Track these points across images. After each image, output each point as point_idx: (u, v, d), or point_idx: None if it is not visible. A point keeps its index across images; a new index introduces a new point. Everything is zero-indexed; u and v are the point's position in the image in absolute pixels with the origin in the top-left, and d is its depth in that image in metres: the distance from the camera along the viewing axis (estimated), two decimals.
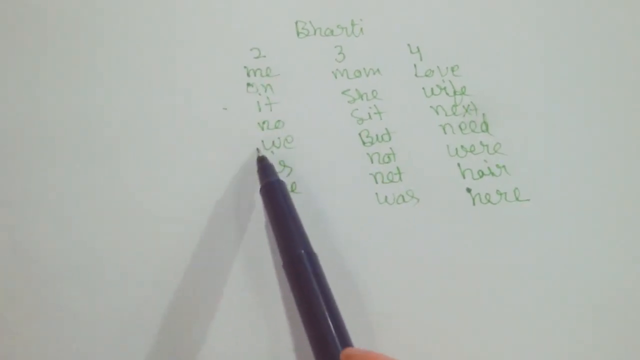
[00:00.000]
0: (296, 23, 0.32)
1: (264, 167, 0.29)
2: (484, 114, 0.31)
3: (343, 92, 0.31)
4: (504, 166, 0.30)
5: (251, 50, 0.32)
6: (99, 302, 0.29)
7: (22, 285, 0.29)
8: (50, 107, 0.31)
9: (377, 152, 0.31)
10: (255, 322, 0.28)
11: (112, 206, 0.30)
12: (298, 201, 0.30)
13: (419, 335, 0.28)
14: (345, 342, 0.24)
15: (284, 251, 0.27)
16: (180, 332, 0.28)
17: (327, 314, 0.24)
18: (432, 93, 0.31)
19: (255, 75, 0.31)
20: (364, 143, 0.31)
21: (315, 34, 0.32)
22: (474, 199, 0.30)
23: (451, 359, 0.28)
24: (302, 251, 0.26)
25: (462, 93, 0.31)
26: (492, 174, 0.30)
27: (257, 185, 0.29)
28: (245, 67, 0.31)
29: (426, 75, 0.32)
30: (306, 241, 0.27)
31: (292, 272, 0.26)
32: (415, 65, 0.32)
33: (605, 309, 0.28)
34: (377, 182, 0.30)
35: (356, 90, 0.31)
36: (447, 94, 0.31)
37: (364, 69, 0.32)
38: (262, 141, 0.31)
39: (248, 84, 0.31)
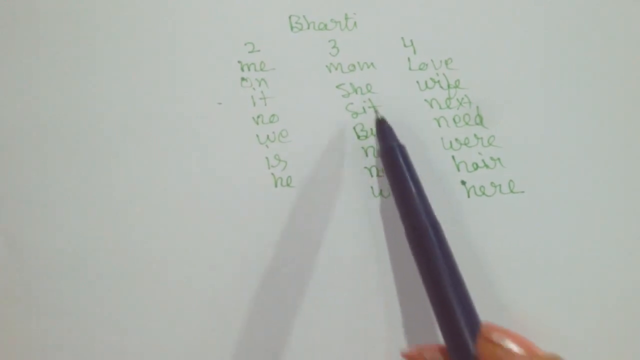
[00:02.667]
0: (290, 17, 0.32)
1: (384, 130, 0.29)
2: (478, 107, 0.31)
3: (337, 86, 0.31)
4: (498, 158, 0.30)
5: (245, 44, 0.32)
6: (98, 302, 0.29)
7: (18, 284, 0.29)
8: (44, 101, 0.31)
9: (372, 146, 0.31)
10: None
11: (107, 203, 0.30)
12: (293, 195, 0.30)
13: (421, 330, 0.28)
14: (476, 319, 0.23)
15: (407, 220, 0.26)
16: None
17: (455, 289, 0.23)
18: (426, 86, 0.31)
19: (249, 69, 0.31)
20: (358, 137, 0.31)
21: (309, 28, 0.32)
22: (468, 192, 0.30)
23: None
24: (427, 222, 0.25)
25: (456, 86, 0.31)
26: (487, 166, 0.30)
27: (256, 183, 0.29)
28: (239, 61, 0.31)
29: (420, 69, 0.32)
30: (429, 210, 0.26)
31: (417, 244, 0.25)
32: (409, 59, 0.32)
33: (599, 300, 0.29)
34: (372, 176, 0.30)
35: (350, 84, 0.31)
36: (441, 87, 0.31)
37: (358, 62, 0.32)
38: (257, 135, 0.31)
39: (242, 79, 0.31)
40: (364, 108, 0.31)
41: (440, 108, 0.31)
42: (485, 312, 0.28)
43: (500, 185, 0.30)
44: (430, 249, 0.25)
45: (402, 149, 0.28)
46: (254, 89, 0.31)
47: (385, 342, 0.28)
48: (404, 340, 0.28)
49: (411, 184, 0.27)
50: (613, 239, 0.29)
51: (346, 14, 0.32)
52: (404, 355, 0.24)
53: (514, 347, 0.20)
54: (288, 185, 0.30)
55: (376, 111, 0.30)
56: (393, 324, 0.29)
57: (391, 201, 0.30)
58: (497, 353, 0.20)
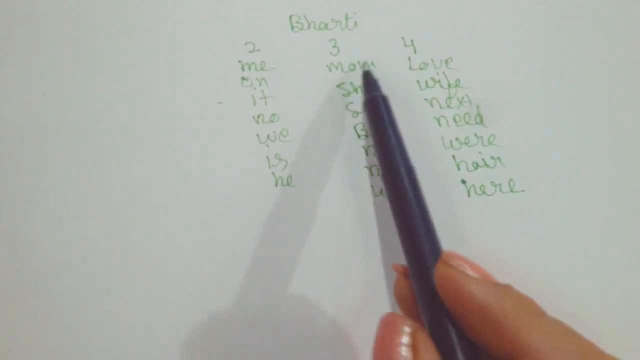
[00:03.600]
0: (290, 17, 0.32)
1: (369, 81, 0.30)
2: (478, 106, 0.31)
3: (338, 86, 0.31)
4: (498, 158, 0.30)
5: (245, 44, 0.32)
6: (98, 301, 0.29)
7: (18, 284, 0.29)
8: (44, 101, 0.31)
9: (372, 145, 0.31)
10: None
11: (108, 203, 0.30)
12: (293, 195, 0.30)
13: None
14: (439, 248, 0.23)
15: (383, 163, 0.27)
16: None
17: (422, 221, 0.24)
18: (427, 86, 0.31)
19: (249, 69, 0.31)
20: (359, 136, 0.31)
21: (309, 27, 0.32)
22: (468, 191, 0.30)
23: None
24: (401, 163, 0.26)
25: (457, 85, 0.31)
26: (487, 165, 0.30)
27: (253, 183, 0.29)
28: (239, 61, 0.31)
29: (420, 68, 0.32)
30: (405, 155, 0.27)
31: (390, 182, 0.26)
32: (409, 58, 0.32)
33: (599, 299, 0.29)
34: (372, 175, 0.30)
35: (351, 83, 0.31)
36: (441, 86, 0.31)
37: (359, 62, 0.32)
38: (257, 135, 0.31)
39: (243, 78, 0.31)
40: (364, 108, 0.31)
41: (441, 107, 0.31)
42: None
43: (500, 184, 0.30)
44: (401, 187, 0.25)
45: (384, 99, 0.29)
46: (254, 88, 0.31)
47: None
48: None
49: (390, 130, 0.27)
50: (613, 238, 0.29)
51: (346, 14, 0.32)
52: (394, 266, 0.25)
53: (470, 273, 0.21)
54: (288, 184, 0.30)
55: (364, 64, 0.31)
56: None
57: None
58: (453, 275, 0.20)
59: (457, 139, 0.31)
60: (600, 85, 0.31)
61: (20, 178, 0.30)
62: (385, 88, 0.30)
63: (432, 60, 0.32)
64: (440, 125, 0.31)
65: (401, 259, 0.29)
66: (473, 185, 0.30)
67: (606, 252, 0.29)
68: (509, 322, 0.19)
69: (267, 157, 0.30)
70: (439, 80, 0.32)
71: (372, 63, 0.32)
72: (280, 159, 0.30)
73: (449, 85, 0.31)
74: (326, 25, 0.32)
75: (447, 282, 0.20)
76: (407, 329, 0.20)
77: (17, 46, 0.32)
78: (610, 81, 0.32)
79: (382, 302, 0.29)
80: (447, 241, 0.29)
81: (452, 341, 0.20)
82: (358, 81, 0.31)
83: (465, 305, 0.20)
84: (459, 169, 0.30)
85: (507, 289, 0.20)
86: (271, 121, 0.31)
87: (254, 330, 0.28)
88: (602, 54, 0.32)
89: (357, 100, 0.31)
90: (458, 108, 0.31)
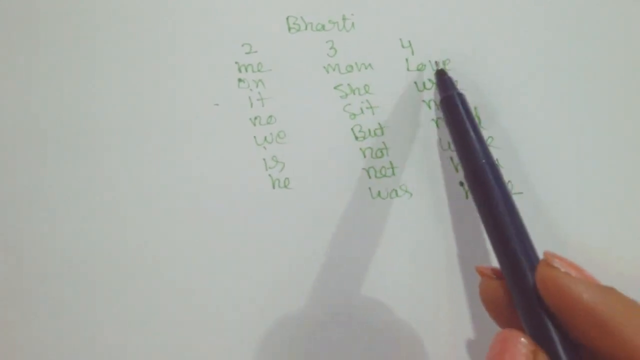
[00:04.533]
0: (287, 18, 0.32)
1: (444, 80, 0.30)
2: (476, 108, 0.31)
3: (335, 87, 0.31)
4: (496, 160, 0.30)
5: (242, 45, 0.32)
6: (97, 304, 0.29)
7: (17, 286, 0.29)
8: (43, 103, 0.31)
9: (369, 147, 0.30)
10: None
11: (105, 205, 0.30)
12: (290, 197, 0.30)
13: (423, 332, 0.28)
14: (533, 248, 0.23)
15: (467, 162, 0.26)
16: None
17: (513, 221, 0.24)
18: (424, 87, 0.31)
19: (246, 70, 0.31)
20: (356, 138, 0.31)
21: (306, 29, 0.32)
22: (467, 193, 0.30)
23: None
24: (484, 161, 0.26)
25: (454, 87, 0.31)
26: None
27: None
28: (236, 62, 0.31)
29: (418, 70, 0.32)
30: (488, 153, 0.26)
31: (475, 182, 0.26)
32: (407, 60, 0.32)
33: None
34: (370, 177, 0.30)
35: (348, 85, 0.31)
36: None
37: (356, 63, 0.32)
38: (255, 137, 0.30)
39: (239, 80, 0.31)
40: (361, 109, 0.31)
41: (439, 109, 0.31)
42: (482, 309, 0.28)
43: None
44: (488, 186, 0.25)
45: (461, 96, 0.29)
46: (251, 90, 0.31)
47: (384, 343, 0.28)
48: (406, 342, 0.28)
49: (469, 127, 0.27)
50: (613, 241, 0.29)
51: (344, 15, 0.32)
52: (478, 268, 0.24)
53: (573, 273, 0.20)
54: (285, 186, 0.30)
55: (437, 62, 0.31)
56: (393, 325, 0.28)
57: (388, 202, 0.30)
58: (557, 276, 0.20)
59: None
60: (599, 87, 0.31)
61: (19, 180, 0.30)
62: (459, 85, 0.30)
63: (429, 61, 0.32)
64: (438, 127, 0.31)
65: (399, 260, 0.29)
66: None
67: (607, 255, 0.29)
68: (617, 324, 0.19)
69: (264, 159, 0.30)
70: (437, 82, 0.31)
71: (370, 65, 0.31)
72: (277, 161, 0.30)
73: None
74: (323, 26, 0.32)
75: (551, 283, 0.20)
76: (526, 348, 0.20)
77: (17, 46, 0.31)
78: (610, 83, 0.31)
79: (382, 304, 0.29)
80: (445, 243, 0.29)
81: (554, 343, 0.20)
82: (355, 83, 0.31)
83: (571, 308, 0.20)
84: (457, 170, 0.30)
85: (612, 291, 0.20)
86: (268, 123, 0.31)
87: (251, 331, 0.28)
88: (602, 56, 0.32)
89: (355, 102, 0.31)
90: None
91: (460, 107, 0.28)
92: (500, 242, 0.23)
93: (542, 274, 0.21)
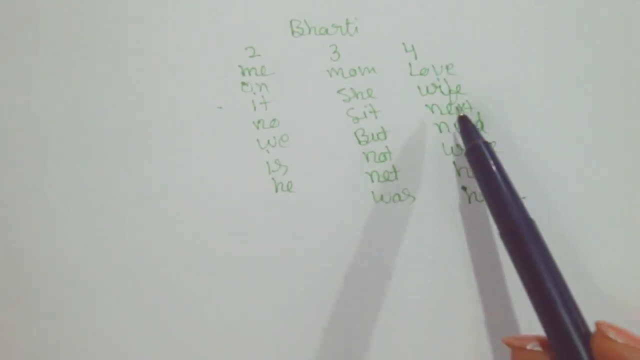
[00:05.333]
0: (291, 22, 0.32)
1: (469, 128, 0.28)
2: (478, 113, 0.31)
3: (338, 91, 0.31)
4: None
5: (246, 49, 0.32)
6: (97, 305, 0.29)
7: (17, 287, 0.29)
8: (43, 105, 0.31)
9: (372, 151, 0.30)
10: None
11: (107, 207, 0.30)
12: (293, 200, 0.30)
13: (418, 335, 0.28)
14: (581, 315, 0.22)
15: (501, 220, 0.25)
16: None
17: (556, 285, 0.23)
18: (427, 92, 0.31)
19: (250, 74, 0.31)
20: (359, 142, 0.31)
21: (310, 32, 0.32)
22: (469, 197, 0.30)
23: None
24: (520, 219, 0.25)
25: (457, 92, 0.31)
26: None
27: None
28: (239, 66, 0.31)
29: (421, 74, 0.32)
30: (523, 208, 0.25)
31: (512, 242, 0.25)
32: (410, 64, 0.32)
33: (603, 304, 0.29)
34: (372, 181, 0.30)
35: (351, 89, 0.31)
36: (442, 92, 0.31)
37: (359, 67, 0.32)
38: (258, 140, 0.30)
39: (243, 83, 0.31)
40: (364, 113, 0.31)
41: (442, 113, 0.31)
42: (484, 312, 0.28)
43: None
44: (526, 247, 0.24)
45: (488, 146, 0.27)
46: (254, 93, 0.31)
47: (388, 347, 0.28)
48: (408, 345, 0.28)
49: (501, 181, 0.26)
50: (615, 244, 0.29)
51: (347, 19, 0.32)
52: (506, 341, 0.23)
53: (631, 343, 0.20)
54: (289, 190, 0.30)
55: (458, 108, 0.30)
56: (396, 328, 0.28)
57: (391, 206, 0.30)
58: (616, 349, 0.20)
59: (457, 145, 0.31)
60: (602, 93, 0.31)
61: (19, 181, 0.30)
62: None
63: (432, 66, 0.32)
64: (441, 131, 0.31)
65: (401, 264, 0.29)
66: (474, 192, 0.30)
67: (608, 258, 0.29)
68: None
69: (267, 163, 0.30)
70: (439, 86, 0.31)
71: (374, 69, 0.31)
72: (280, 165, 0.30)
73: (449, 92, 0.31)
74: (327, 30, 0.32)
75: (610, 356, 0.20)
76: None
77: (17, 46, 0.31)
78: (612, 87, 0.31)
79: (382, 306, 0.29)
80: (448, 247, 0.29)
81: None
82: (358, 87, 0.31)
83: None
84: (459, 175, 0.30)
85: None
86: (271, 126, 0.31)
87: (252, 331, 0.28)
88: (604, 60, 0.32)
89: (358, 106, 0.31)
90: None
91: (489, 158, 0.27)
92: (546, 311, 0.23)
93: (600, 347, 0.20)
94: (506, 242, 0.25)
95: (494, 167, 0.26)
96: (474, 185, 0.30)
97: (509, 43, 0.32)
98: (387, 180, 0.30)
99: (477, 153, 0.27)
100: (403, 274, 0.29)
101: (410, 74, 0.32)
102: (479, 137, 0.28)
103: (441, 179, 0.30)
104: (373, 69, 0.32)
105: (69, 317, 0.28)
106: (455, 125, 0.30)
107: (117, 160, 0.30)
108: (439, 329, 0.29)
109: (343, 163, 0.30)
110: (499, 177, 0.26)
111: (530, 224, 0.25)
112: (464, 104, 0.31)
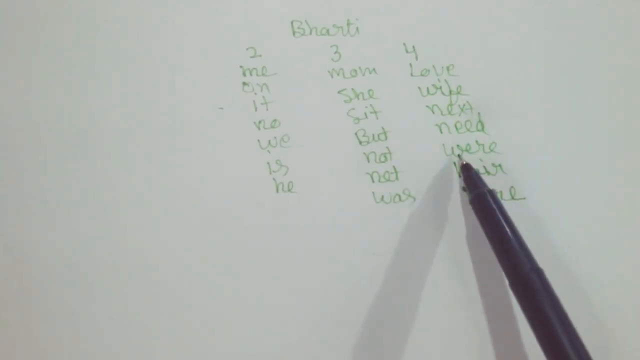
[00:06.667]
0: (292, 22, 0.32)
1: (472, 176, 0.29)
2: (479, 113, 0.31)
3: (339, 92, 0.31)
4: (499, 165, 0.30)
5: (247, 49, 0.32)
6: (96, 305, 0.29)
7: (17, 287, 0.29)
8: (43, 105, 0.31)
9: (373, 152, 0.31)
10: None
11: (107, 208, 0.30)
12: (294, 201, 0.30)
13: (418, 336, 0.28)
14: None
15: (509, 270, 0.26)
16: None
17: (568, 335, 0.24)
18: (428, 92, 0.31)
19: (251, 74, 0.31)
20: (360, 142, 0.31)
21: (311, 33, 0.32)
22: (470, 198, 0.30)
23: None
24: (529, 267, 0.25)
25: (458, 92, 0.31)
26: (488, 172, 0.30)
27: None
28: (241, 66, 0.31)
29: (422, 75, 0.32)
30: (530, 256, 0.26)
31: (521, 292, 0.25)
32: (411, 65, 0.32)
33: (602, 307, 0.29)
34: (373, 182, 0.30)
35: (352, 89, 0.31)
36: (442, 93, 0.31)
37: (360, 68, 0.32)
38: (259, 140, 0.30)
39: (244, 83, 0.31)
40: (365, 113, 0.31)
41: (442, 114, 0.31)
42: (485, 313, 0.28)
43: (501, 191, 0.30)
44: (536, 297, 0.25)
45: (492, 194, 0.28)
46: (255, 93, 0.31)
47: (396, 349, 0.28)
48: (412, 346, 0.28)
49: (508, 230, 0.26)
50: (616, 245, 0.29)
51: (348, 20, 0.32)
52: None
53: None
54: (289, 190, 0.30)
55: (460, 156, 0.30)
56: (396, 328, 0.29)
57: (391, 207, 0.30)
58: None
59: (458, 146, 0.31)
60: (602, 94, 0.32)
61: (20, 179, 0.30)
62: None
63: (433, 66, 0.32)
64: (441, 132, 0.31)
65: (401, 265, 0.29)
66: None
67: (609, 259, 0.29)
68: None
69: (268, 163, 0.30)
70: (440, 87, 0.32)
71: (374, 69, 0.31)
72: (281, 165, 0.30)
73: (450, 92, 0.31)
74: (328, 31, 0.32)
75: None
76: None
77: (17, 46, 0.31)
78: (613, 88, 0.32)
79: (383, 307, 0.29)
80: (448, 248, 0.29)
81: None
82: (359, 87, 0.31)
83: None
84: (460, 176, 0.30)
85: None
86: (272, 127, 0.31)
87: (252, 331, 0.28)
88: (604, 62, 0.32)
89: (359, 106, 0.31)
90: (459, 115, 0.31)
91: (494, 206, 0.27)
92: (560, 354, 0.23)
93: None
94: (516, 293, 0.26)
95: (500, 217, 0.27)
96: None
97: (510, 44, 0.32)
98: (388, 180, 0.30)
99: (482, 202, 0.28)
100: (403, 274, 0.29)
101: (411, 75, 0.32)
102: (483, 185, 0.28)
103: (442, 179, 0.30)
104: (374, 69, 0.32)
105: (69, 317, 0.28)
106: (458, 174, 0.30)
107: (117, 161, 0.30)
108: (438, 330, 0.29)
109: (344, 163, 0.30)
110: (505, 226, 0.27)
111: (539, 274, 0.25)
112: (464, 105, 0.31)
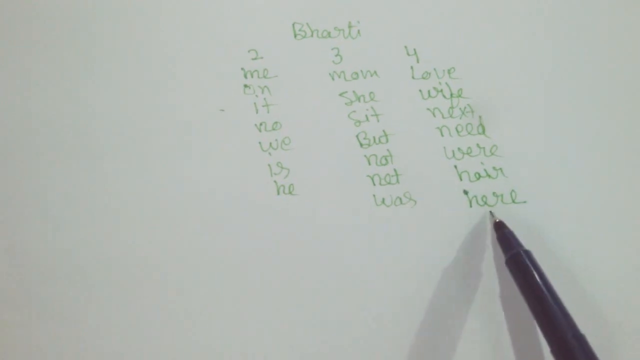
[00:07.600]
0: (293, 25, 0.32)
1: (506, 235, 0.28)
2: (480, 117, 0.31)
3: (340, 94, 0.31)
4: (500, 168, 0.30)
5: (248, 52, 0.32)
6: (97, 305, 0.28)
7: (18, 288, 0.29)
8: (43, 105, 0.31)
9: (374, 154, 0.31)
10: None
11: (108, 209, 0.30)
12: (295, 203, 0.30)
13: (415, 338, 0.28)
14: None
15: (551, 336, 0.25)
16: None
17: None
18: (429, 95, 0.31)
19: (252, 76, 0.31)
20: (361, 145, 0.31)
21: (312, 35, 0.32)
22: (470, 201, 0.30)
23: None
24: (570, 333, 0.25)
25: (459, 95, 0.32)
26: (489, 176, 0.30)
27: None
28: (242, 68, 0.31)
29: (423, 78, 0.32)
30: (571, 321, 0.25)
31: (564, 358, 0.25)
32: (412, 68, 0.32)
33: (604, 310, 0.29)
34: (374, 184, 0.30)
35: (353, 92, 0.31)
36: (443, 96, 0.31)
37: (361, 71, 0.32)
38: (260, 143, 0.30)
39: (245, 86, 0.31)
40: (366, 116, 0.31)
41: (443, 117, 0.31)
42: (486, 316, 0.28)
43: (502, 195, 0.30)
44: None
45: (528, 254, 0.27)
46: (256, 96, 0.31)
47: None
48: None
49: (547, 294, 0.26)
50: (617, 248, 0.29)
51: (350, 22, 0.32)
52: None
53: None
54: (290, 192, 0.30)
55: (492, 214, 0.29)
56: (395, 329, 0.29)
57: (392, 210, 0.30)
58: None
59: (459, 149, 0.31)
60: (603, 98, 0.32)
61: (20, 180, 0.30)
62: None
63: (434, 69, 0.32)
64: (442, 135, 0.31)
65: (402, 267, 0.29)
66: (475, 196, 0.30)
67: (610, 262, 0.29)
68: None
69: (269, 165, 0.30)
70: (441, 90, 0.32)
71: (376, 72, 0.32)
72: (282, 167, 0.30)
73: (451, 95, 0.31)
74: (329, 33, 0.32)
75: None
76: None
77: (17, 46, 0.31)
78: (614, 94, 0.32)
79: (383, 308, 0.29)
80: (449, 251, 0.29)
81: None
82: (360, 90, 0.31)
83: None
84: (461, 179, 0.30)
85: None
86: (273, 129, 0.31)
87: (254, 333, 0.28)
88: (606, 65, 0.32)
89: (360, 109, 0.31)
90: (460, 118, 0.31)
91: (532, 268, 0.26)
92: None
93: None
94: (556, 357, 0.25)
95: (538, 279, 0.26)
96: (475, 189, 0.30)
97: (511, 47, 0.32)
98: (389, 183, 0.30)
99: (519, 263, 0.27)
100: (404, 276, 0.29)
101: (412, 78, 0.32)
102: (519, 245, 0.27)
103: (442, 182, 0.30)
104: (375, 72, 0.32)
105: (69, 317, 0.28)
106: (492, 229, 0.29)
107: (118, 162, 0.30)
108: (439, 331, 0.29)
109: (345, 166, 0.30)
110: (545, 290, 0.26)
111: (582, 340, 0.25)
112: (465, 108, 0.31)
